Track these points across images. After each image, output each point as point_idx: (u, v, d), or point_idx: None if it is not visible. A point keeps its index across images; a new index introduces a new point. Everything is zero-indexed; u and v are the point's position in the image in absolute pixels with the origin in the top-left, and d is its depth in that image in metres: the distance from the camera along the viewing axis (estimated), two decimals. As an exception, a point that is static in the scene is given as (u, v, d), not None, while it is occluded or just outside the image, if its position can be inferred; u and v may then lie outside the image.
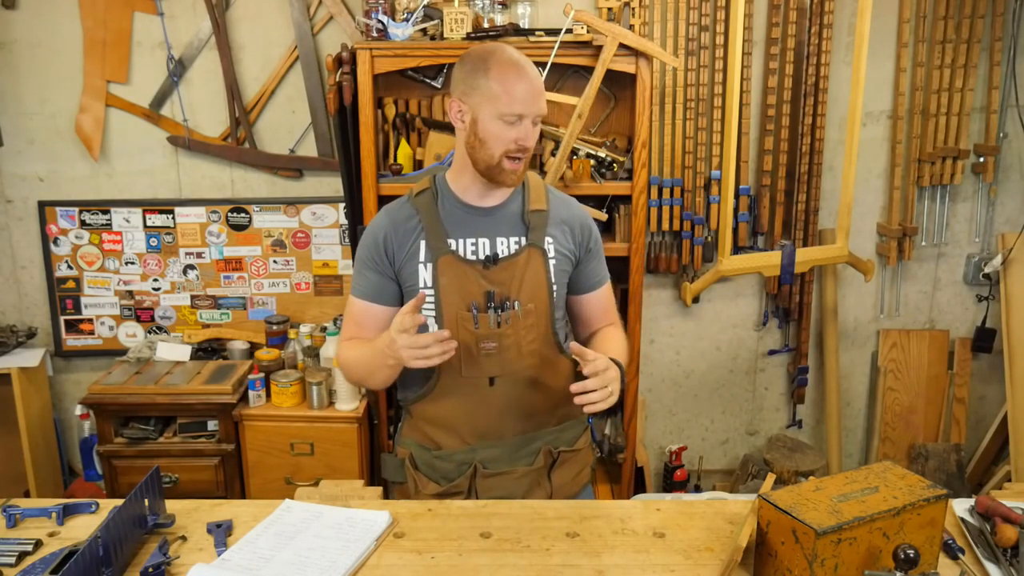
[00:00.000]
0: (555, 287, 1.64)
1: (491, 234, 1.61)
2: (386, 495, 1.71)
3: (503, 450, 1.64)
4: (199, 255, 3.05)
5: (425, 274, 1.59)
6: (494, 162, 1.53)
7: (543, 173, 2.65)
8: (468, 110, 1.54)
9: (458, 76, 1.56)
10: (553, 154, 2.66)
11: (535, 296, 1.61)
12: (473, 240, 1.60)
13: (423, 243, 1.59)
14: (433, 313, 1.59)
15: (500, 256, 1.60)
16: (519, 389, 1.63)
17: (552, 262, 1.63)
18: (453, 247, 1.59)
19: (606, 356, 1.49)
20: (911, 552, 1.15)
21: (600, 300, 1.75)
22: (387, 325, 1.61)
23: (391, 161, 2.75)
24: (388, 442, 2.82)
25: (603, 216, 2.74)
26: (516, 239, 1.62)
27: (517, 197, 1.65)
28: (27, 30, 2.86)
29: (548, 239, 1.63)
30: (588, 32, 2.51)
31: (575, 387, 1.44)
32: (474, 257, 1.60)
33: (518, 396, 1.63)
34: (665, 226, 2.98)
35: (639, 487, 2.96)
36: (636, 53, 2.53)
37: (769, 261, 2.83)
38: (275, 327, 2.93)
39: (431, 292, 1.59)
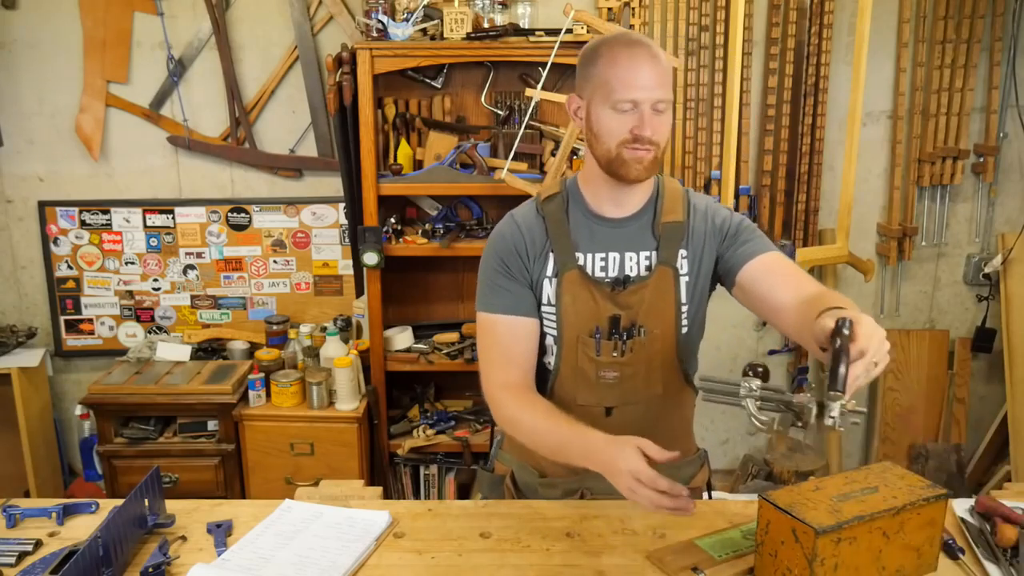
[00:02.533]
0: (685, 309, 1.48)
1: (621, 248, 1.46)
2: (386, 496, 1.71)
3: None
4: (199, 255, 3.05)
5: (549, 290, 1.46)
6: (612, 155, 1.37)
7: (543, 173, 2.65)
8: (583, 104, 1.41)
9: (577, 73, 1.43)
10: (553, 154, 2.66)
11: (662, 320, 1.46)
12: (603, 255, 1.46)
13: (552, 255, 1.46)
14: (554, 332, 1.47)
15: (631, 277, 1.46)
16: (637, 421, 1.49)
17: (684, 280, 1.47)
18: (581, 261, 1.45)
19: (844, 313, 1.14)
20: (760, 369, 1.13)
21: (771, 265, 1.42)
22: (536, 341, 1.49)
23: (391, 161, 2.75)
24: (388, 442, 2.82)
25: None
26: (647, 254, 1.47)
27: (651, 207, 1.48)
28: (27, 30, 2.86)
29: (682, 253, 1.47)
30: (588, 32, 2.51)
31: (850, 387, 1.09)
32: (603, 275, 1.46)
33: (635, 428, 1.44)
34: (665, 226, 2.98)
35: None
36: (636, 53, 2.53)
37: (769, 261, 2.83)
38: (275, 327, 2.93)
39: (553, 309, 1.46)
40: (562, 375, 1.50)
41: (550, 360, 1.51)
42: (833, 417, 1.10)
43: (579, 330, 1.45)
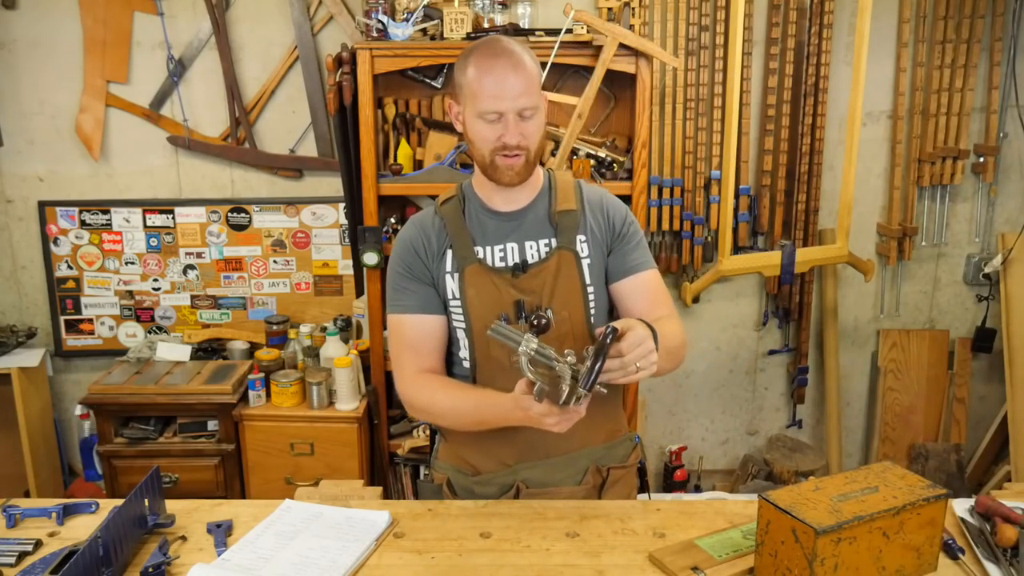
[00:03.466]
0: (591, 290, 1.54)
1: (519, 239, 1.54)
2: (386, 496, 1.71)
3: (546, 469, 1.56)
4: (199, 255, 3.05)
5: (452, 285, 1.52)
6: (487, 161, 1.46)
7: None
8: (461, 110, 1.48)
9: (455, 77, 1.50)
10: (553, 154, 2.66)
11: (569, 302, 1.52)
12: (501, 247, 1.53)
13: (450, 252, 1.53)
14: (463, 325, 1.53)
15: (529, 262, 1.52)
16: None
17: (586, 263, 1.53)
18: (480, 255, 1.52)
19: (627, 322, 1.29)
20: (544, 319, 1.22)
21: (640, 286, 1.55)
22: (443, 338, 1.56)
23: (391, 161, 2.75)
24: (388, 442, 2.82)
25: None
26: (545, 241, 1.54)
27: (544, 198, 1.56)
28: (27, 30, 2.86)
29: (580, 238, 1.54)
30: (588, 32, 2.51)
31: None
32: (503, 264, 1.52)
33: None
34: (665, 226, 2.98)
35: (639, 487, 2.96)
36: (636, 53, 2.53)
37: (769, 261, 2.83)
38: (275, 327, 2.93)
39: (458, 303, 1.53)
40: (479, 366, 1.54)
41: (465, 354, 1.55)
42: (579, 397, 1.26)
43: (486, 320, 1.49)
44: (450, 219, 1.55)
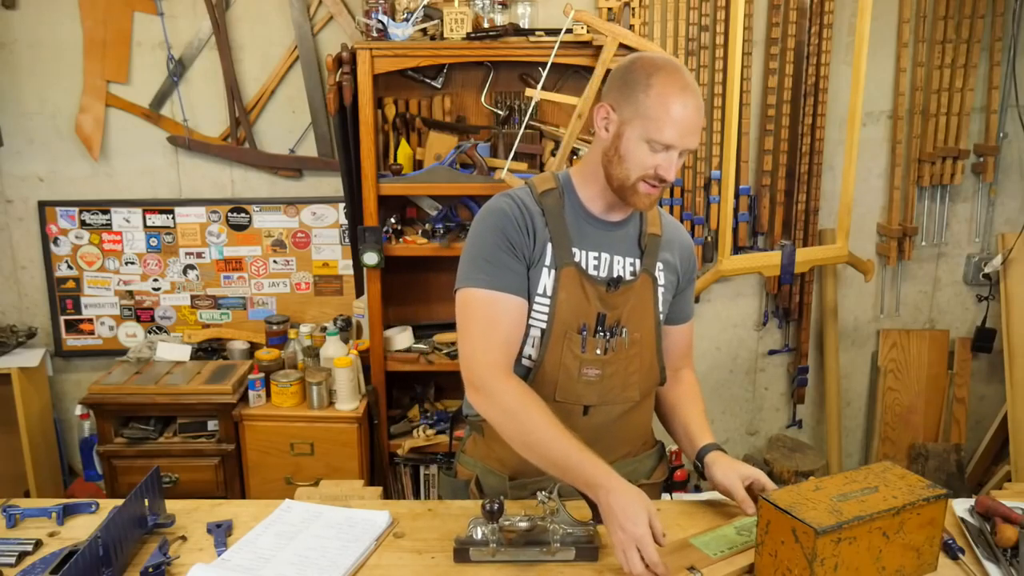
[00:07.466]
0: (661, 318, 1.56)
1: (611, 251, 1.51)
2: (386, 496, 1.71)
3: None
4: (199, 255, 3.05)
5: (547, 280, 1.46)
6: (629, 183, 1.42)
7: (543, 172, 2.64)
8: (616, 121, 1.41)
9: (615, 82, 1.43)
10: (553, 154, 2.66)
11: (642, 325, 1.51)
12: (596, 254, 1.49)
13: (550, 246, 1.46)
14: (544, 324, 1.47)
15: (622, 279, 1.50)
16: (611, 419, 1.54)
17: (660, 290, 1.54)
18: (577, 258, 1.47)
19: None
20: (496, 505, 1.27)
21: (682, 337, 1.66)
22: (522, 321, 1.47)
23: (391, 161, 2.75)
24: (388, 442, 2.82)
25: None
26: (632, 261, 1.52)
27: (636, 217, 1.55)
28: (27, 30, 2.86)
29: (659, 265, 1.54)
30: (588, 32, 2.51)
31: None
32: (595, 273, 1.49)
33: (609, 426, 1.53)
34: (665, 226, 2.98)
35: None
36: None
37: (769, 261, 2.83)
38: (275, 327, 2.92)
39: (547, 301, 1.46)
40: (544, 370, 1.48)
41: (531, 352, 1.50)
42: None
43: (568, 325, 1.46)
44: (552, 214, 1.48)
